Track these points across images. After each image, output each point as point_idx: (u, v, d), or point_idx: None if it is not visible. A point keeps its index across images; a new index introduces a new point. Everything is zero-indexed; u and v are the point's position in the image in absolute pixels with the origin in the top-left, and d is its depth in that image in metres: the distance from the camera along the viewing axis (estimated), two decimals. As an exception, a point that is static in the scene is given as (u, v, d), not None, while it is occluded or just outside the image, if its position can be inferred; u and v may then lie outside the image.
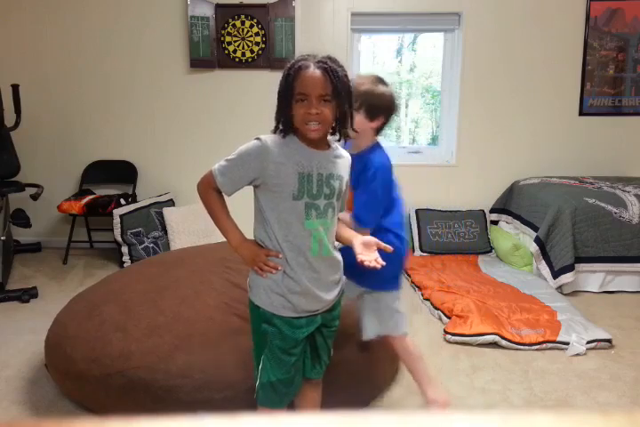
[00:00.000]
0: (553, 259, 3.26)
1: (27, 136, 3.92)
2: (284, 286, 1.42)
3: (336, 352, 1.95)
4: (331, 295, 1.50)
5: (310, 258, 1.43)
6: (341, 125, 1.43)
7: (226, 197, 1.53)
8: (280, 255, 1.42)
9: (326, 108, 1.36)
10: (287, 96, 1.37)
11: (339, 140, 1.48)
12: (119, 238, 3.59)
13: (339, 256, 1.53)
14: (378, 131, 1.78)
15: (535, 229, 3.46)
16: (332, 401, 1.86)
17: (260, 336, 1.47)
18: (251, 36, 3.90)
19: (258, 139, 1.41)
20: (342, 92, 1.36)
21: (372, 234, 1.59)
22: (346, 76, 1.39)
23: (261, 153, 1.39)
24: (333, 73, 1.35)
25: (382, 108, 1.73)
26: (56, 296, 3.09)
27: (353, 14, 3.93)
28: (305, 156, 1.41)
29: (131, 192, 4.02)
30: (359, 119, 1.64)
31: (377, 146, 1.79)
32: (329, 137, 1.47)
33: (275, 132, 1.42)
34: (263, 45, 3.91)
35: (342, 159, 1.49)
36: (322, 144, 1.45)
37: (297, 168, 1.39)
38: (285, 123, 1.40)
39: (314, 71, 1.35)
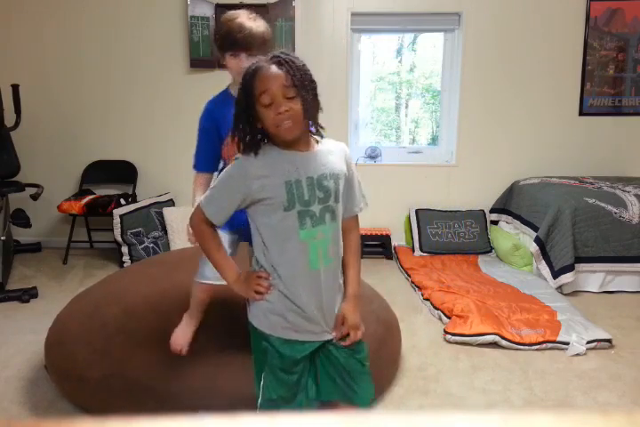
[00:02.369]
0: (553, 259, 3.26)
1: (27, 136, 3.92)
2: (282, 305, 1.34)
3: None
4: (334, 308, 1.39)
5: (309, 272, 1.32)
6: (312, 117, 1.31)
7: None
8: (270, 277, 1.34)
9: (294, 104, 1.26)
10: (249, 106, 1.28)
11: (321, 136, 1.39)
12: (119, 238, 3.59)
13: (339, 266, 1.41)
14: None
15: (535, 229, 3.46)
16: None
17: (260, 354, 1.41)
18: (251, 36, 3.90)
19: (237, 159, 1.34)
20: (305, 82, 1.27)
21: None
22: (304, 65, 1.30)
23: (241, 172, 1.31)
24: (289, 64, 1.26)
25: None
26: (56, 296, 3.09)
27: (353, 14, 3.93)
28: (288, 161, 1.31)
29: (131, 192, 4.02)
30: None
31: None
32: (315, 136, 1.38)
33: (244, 152, 1.31)
34: (263, 45, 3.91)
35: (333, 154, 1.37)
36: (303, 144, 1.34)
37: (283, 177, 1.29)
38: (253, 136, 1.30)
39: (269, 67, 1.26)
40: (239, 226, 1.67)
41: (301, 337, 1.36)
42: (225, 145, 1.69)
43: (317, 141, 1.38)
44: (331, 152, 1.38)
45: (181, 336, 1.83)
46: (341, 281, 1.42)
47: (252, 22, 1.63)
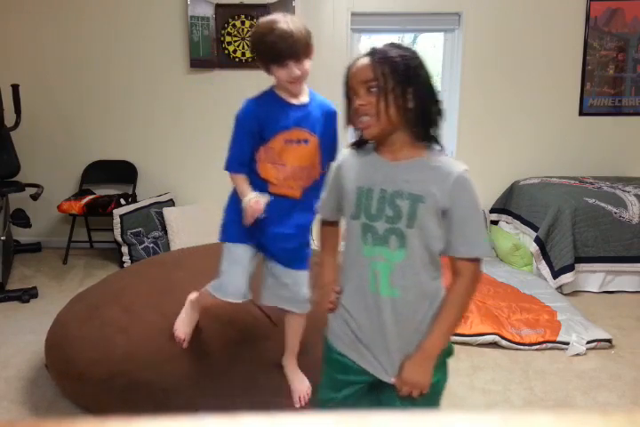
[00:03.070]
0: (553, 259, 3.26)
1: (27, 136, 3.92)
2: (342, 319, 1.26)
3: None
4: (393, 360, 1.20)
5: (369, 293, 1.19)
6: (405, 119, 1.14)
7: None
8: (340, 294, 1.26)
9: (373, 98, 1.13)
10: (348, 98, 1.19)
11: (440, 148, 1.21)
12: (119, 238, 3.58)
13: (421, 306, 1.20)
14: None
15: (535, 229, 3.46)
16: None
17: (323, 354, 1.33)
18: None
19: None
20: (397, 76, 1.12)
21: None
22: (404, 57, 1.13)
23: (336, 170, 1.27)
24: (381, 54, 1.14)
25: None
26: (56, 296, 3.09)
27: (353, 14, 3.93)
28: (371, 166, 1.19)
29: (131, 192, 4.02)
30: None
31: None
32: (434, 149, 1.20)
33: (350, 146, 1.25)
34: (263, 45, 3.91)
35: (433, 175, 1.15)
36: (398, 151, 1.17)
37: (357, 182, 1.19)
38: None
39: (359, 59, 1.18)
40: (258, 239, 1.66)
41: (358, 361, 1.24)
42: (263, 146, 1.60)
43: (425, 154, 1.18)
44: (433, 171, 1.15)
45: (183, 326, 1.82)
46: (411, 336, 1.20)
47: (291, 26, 1.53)
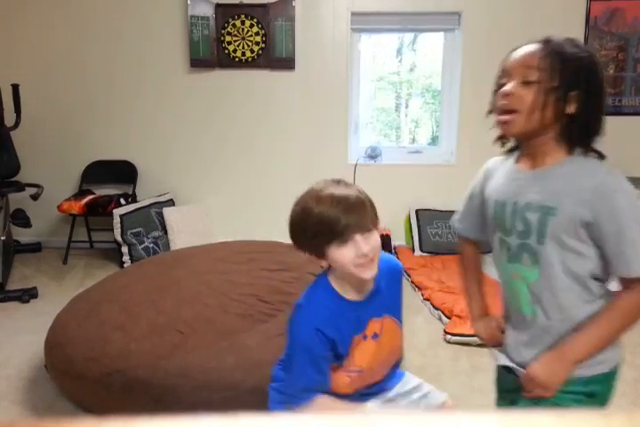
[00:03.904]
0: (553, 259, 3.25)
1: (27, 136, 3.92)
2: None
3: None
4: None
5: (514, 312, 1.12)
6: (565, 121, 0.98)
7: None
8: (500, 321, 1.19)
9: (527, 91, 0.98)
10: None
11: (599, 158, 1.02)
12: (119, 238, 3.58)
13: (565, 332, 1.05)
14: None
15: (535, 229, 3.45)
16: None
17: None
18: (251, 35, 3.90)
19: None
20: (569, 71, 0.97)
21: None
22: (580, 53, 0.98)
23: (482, 179, 1.18)
24: (556, 46, 0.99)
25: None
26: (56, 296, 3.09)
27: (353, 14, 3.93)
28: (506, 177, 1.08)
29: (131, 192, 4.02)
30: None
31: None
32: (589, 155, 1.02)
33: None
34: (263, 45, 3.91)
35: (569, 180, 0.99)
36: (540, 156, 1.02)
37: (495, 194, 1.10)
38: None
39: (531, 45, 1.03)
40: None
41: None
42: (341, 362, 1.18)
43: (564, 160, 1.01)
44: (568, 179, 1.00)
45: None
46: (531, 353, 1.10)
47: (345, 189, 1.12)
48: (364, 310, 1.17)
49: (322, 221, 1.05)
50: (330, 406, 1.15)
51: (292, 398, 1.15)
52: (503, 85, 1.02)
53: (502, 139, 1.10)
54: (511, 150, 1.12)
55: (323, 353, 1.12)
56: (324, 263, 1.14)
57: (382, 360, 1.22)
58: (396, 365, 1.31)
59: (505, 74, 1.03)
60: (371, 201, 1.14)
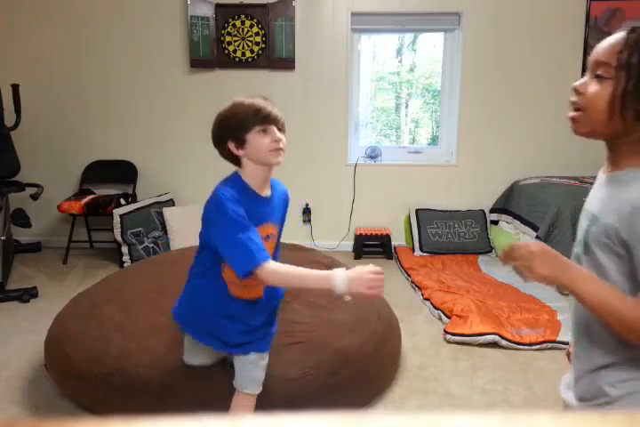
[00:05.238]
0: (553, 259, 3.25)
1: (27, 136, 3.92)
2: None
3: (336, 352, 1.95)
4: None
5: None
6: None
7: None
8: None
9: (599, 87, 0.88)
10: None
11: None
12: (119, 238, 3.59)
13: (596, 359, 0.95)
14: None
15: (535, 228, 3.46)
16: (332, 401, 1.86)
17: None
18: (251, 35, 3.90)
19: None
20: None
21: None
22: None
23: None
24: (636, 34, 0.85)
25: None
26: (56, 296, 3.09)
27: (353, 14, 3.93)
28: (596, 182, 1.00)
29: (131, 192, 4.02)
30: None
31: None
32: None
33: None
34: (263, 45, 3.91)
35: (620, 189, 0.90)
36: (619, 158, 0.92)
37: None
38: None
39: (618, 34, 0.88)
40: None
41: None
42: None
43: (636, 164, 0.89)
44: (620, 188, 0.90)
45: None
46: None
47: (268, 103, 1.45)
48: (264, 208, 1.47)
49: (252, 106, 1.40)
50: (285, 270, 1.36)
51: (251, 262, 1.34)
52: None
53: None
54: None
55: (243, 213, 1.38)
56: (242, 152, 1.43)
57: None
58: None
59: (587, 67, 0.92)
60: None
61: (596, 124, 0.89)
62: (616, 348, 0.91)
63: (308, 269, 1.38)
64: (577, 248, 0.98)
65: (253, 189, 1.46)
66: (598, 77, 0.88)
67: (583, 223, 0.96)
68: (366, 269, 1.29)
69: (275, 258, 1.57)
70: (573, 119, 0.91)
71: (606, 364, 0.92)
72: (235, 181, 1.45)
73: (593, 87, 0.88)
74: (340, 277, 1.29)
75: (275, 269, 1.37)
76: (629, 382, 0.89)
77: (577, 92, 0.91)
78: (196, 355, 1.74)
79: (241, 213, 1.37)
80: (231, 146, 1.44)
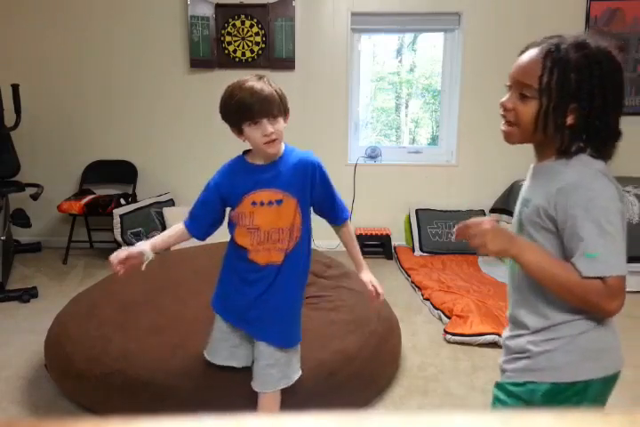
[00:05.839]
0: (553, 259, 3.25)
1: (27, 136, 3.92)
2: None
3: (336, 352, 1.95)
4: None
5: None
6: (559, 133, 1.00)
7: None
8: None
9: (523, 106, 1.00)
10: None
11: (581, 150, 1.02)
12: (119, 238, 3.58)
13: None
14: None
15: (535, 229, 3.46)
16: (332, 401, 1.86)
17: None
18: (251, 35, 3.91)
19: None
20: (563, 87, 0.95)
21: None
22: (586, 59, 0.94)
23: None
24: (557, 55, 0.95)
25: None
26: (56, 296, 3.09)
27: (353, 14, 3.93)
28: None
29: (131, 192, 4.02)
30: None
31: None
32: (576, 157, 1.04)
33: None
34: (263, 45, 3.91)
35: (547, 176, 1.04)
36: (544, 154, 1.08)
37: None
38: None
39: (532, 50, 1.01)
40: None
41: None
42: (235, 212, 1.54)
43: (556, 156, 1.03)
44: (546, 174, 1.04)
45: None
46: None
47: (262, 85, 1.47)
48: (259, 175, 1.50)
49: (239, 105, 1.43)
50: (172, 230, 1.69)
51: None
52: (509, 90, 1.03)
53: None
54: None
55: (208, 199, 1.56)
56: (242, 138, 1.48)
57: (278, 228, 1.49)
58: (299, 251, 1.54)
59: (509, 80, 1.03)
60: (282, 96, 1.46)
61: (526, 136, 1.03)
62: (544, 314, 1.05)
63: (154, 241, 1.73)
64: (512, 229, 1.11)
65: (249, 161, 1.53)
66: (523, 96, 0.99)
67: (517, 207, 1.10)
68: None
69: (333, 219, 1.61)
70: (506, 133, 1.05)
71: (537, 328, 1.06)
72: (234, 158, 1.59)
73: (520, 106, 0.99)
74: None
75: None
76: (550, 342, 1.05)
77: (505, 108, 1.02)
78: (221, 352, 1.67)
79: (213, 183, 1.55)
80: (234, 132, 1.51)
